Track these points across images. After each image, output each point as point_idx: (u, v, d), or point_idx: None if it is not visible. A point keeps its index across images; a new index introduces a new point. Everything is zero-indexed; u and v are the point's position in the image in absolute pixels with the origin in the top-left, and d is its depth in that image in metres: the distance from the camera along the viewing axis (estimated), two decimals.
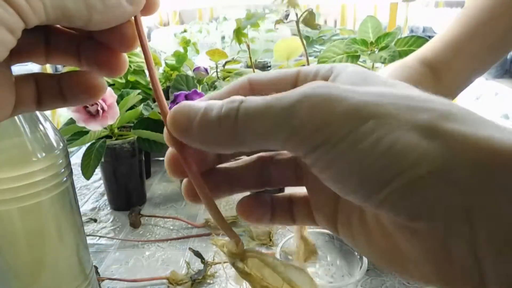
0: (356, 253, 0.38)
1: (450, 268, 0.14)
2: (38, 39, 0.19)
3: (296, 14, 0.56)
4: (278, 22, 0.57)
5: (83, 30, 0.18)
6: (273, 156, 0.22)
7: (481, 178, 0.13)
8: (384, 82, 0.17)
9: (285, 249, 0.40)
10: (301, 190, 0.22)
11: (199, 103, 0.17)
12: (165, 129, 0.19)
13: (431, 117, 0.14)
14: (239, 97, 0.17)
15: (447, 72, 0.47)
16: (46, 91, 0.19)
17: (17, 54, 0.17)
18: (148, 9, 0.19)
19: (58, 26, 0.19)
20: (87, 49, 0.19)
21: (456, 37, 0.46)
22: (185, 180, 0.21)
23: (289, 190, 0.23)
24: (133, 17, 0.18)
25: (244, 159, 0.23)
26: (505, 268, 0.13)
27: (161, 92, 0.19)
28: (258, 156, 0.22)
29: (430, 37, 0.55)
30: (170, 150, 0.20)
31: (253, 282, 0.18)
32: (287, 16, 0.56)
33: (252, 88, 0.21)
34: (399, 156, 0.14)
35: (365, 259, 0.37)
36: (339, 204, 0.20)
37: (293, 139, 0.15)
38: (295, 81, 0.20)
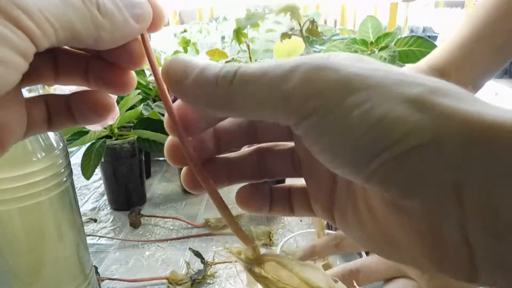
0: (356, 254, 0.38)
1: (440, 249, 0.14)
2: (47, 61, 0.19)
3: (299, 24, 0.57)
4: (284, 37, 0.58)
5: (91, 50, 0.18)
6: (271, 147, 0.23)
7: (471, 153, 0.13)
8: (377, 63, 0.17)
9: (285, 249, 0.40)
10: (300, 182, 0.23)
11: (198, 60, 0.17)
12: (166, 116, 0.19)
13: (422, 91, 0.14)
14: (239, 63, 0.17)
15: (456, 75, 0.46)
16: (56, 112, 0.19)
17: (27, 76, 0.17)
18: (154, 26, 0.19)
19: (66, 47, 0.19)
20: (95, 68, 0.19)
21: (464, 38, 0.46)
22: (185, 168, 0.21)
23: (289, 182, 0.23)
24: (139, 35, 0.18)
25: (243, 150, 0.23)
26: (494, 248, 0.13)
27: (169, 101, 0.19)
28: (257, 147, 0.23)
29: (429, 37, 0.55)
30: (170, 137, 0.20)
31: (269, 285, 0.18)
32: (292, 28, 0.57)
33: None
34: (389, 128, 0.14)
35: None
36: (335, 194, 0.20)
37: (284, 106, 0.15)
38: None
